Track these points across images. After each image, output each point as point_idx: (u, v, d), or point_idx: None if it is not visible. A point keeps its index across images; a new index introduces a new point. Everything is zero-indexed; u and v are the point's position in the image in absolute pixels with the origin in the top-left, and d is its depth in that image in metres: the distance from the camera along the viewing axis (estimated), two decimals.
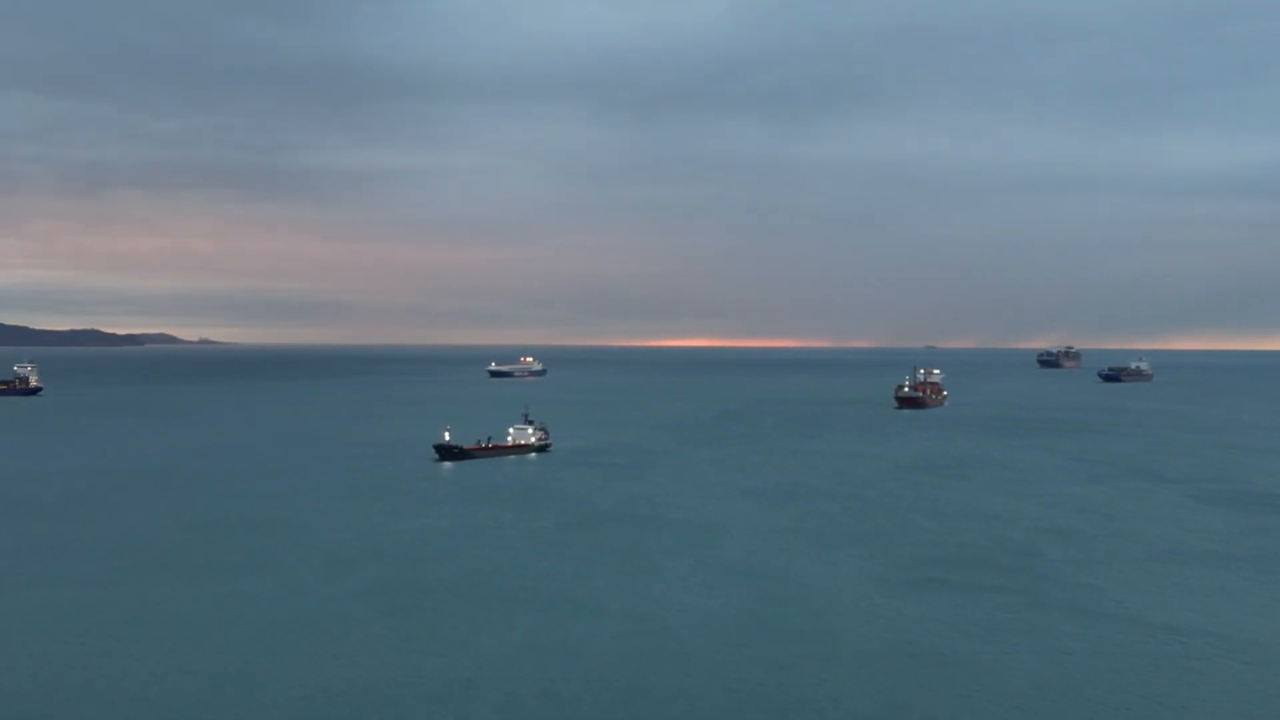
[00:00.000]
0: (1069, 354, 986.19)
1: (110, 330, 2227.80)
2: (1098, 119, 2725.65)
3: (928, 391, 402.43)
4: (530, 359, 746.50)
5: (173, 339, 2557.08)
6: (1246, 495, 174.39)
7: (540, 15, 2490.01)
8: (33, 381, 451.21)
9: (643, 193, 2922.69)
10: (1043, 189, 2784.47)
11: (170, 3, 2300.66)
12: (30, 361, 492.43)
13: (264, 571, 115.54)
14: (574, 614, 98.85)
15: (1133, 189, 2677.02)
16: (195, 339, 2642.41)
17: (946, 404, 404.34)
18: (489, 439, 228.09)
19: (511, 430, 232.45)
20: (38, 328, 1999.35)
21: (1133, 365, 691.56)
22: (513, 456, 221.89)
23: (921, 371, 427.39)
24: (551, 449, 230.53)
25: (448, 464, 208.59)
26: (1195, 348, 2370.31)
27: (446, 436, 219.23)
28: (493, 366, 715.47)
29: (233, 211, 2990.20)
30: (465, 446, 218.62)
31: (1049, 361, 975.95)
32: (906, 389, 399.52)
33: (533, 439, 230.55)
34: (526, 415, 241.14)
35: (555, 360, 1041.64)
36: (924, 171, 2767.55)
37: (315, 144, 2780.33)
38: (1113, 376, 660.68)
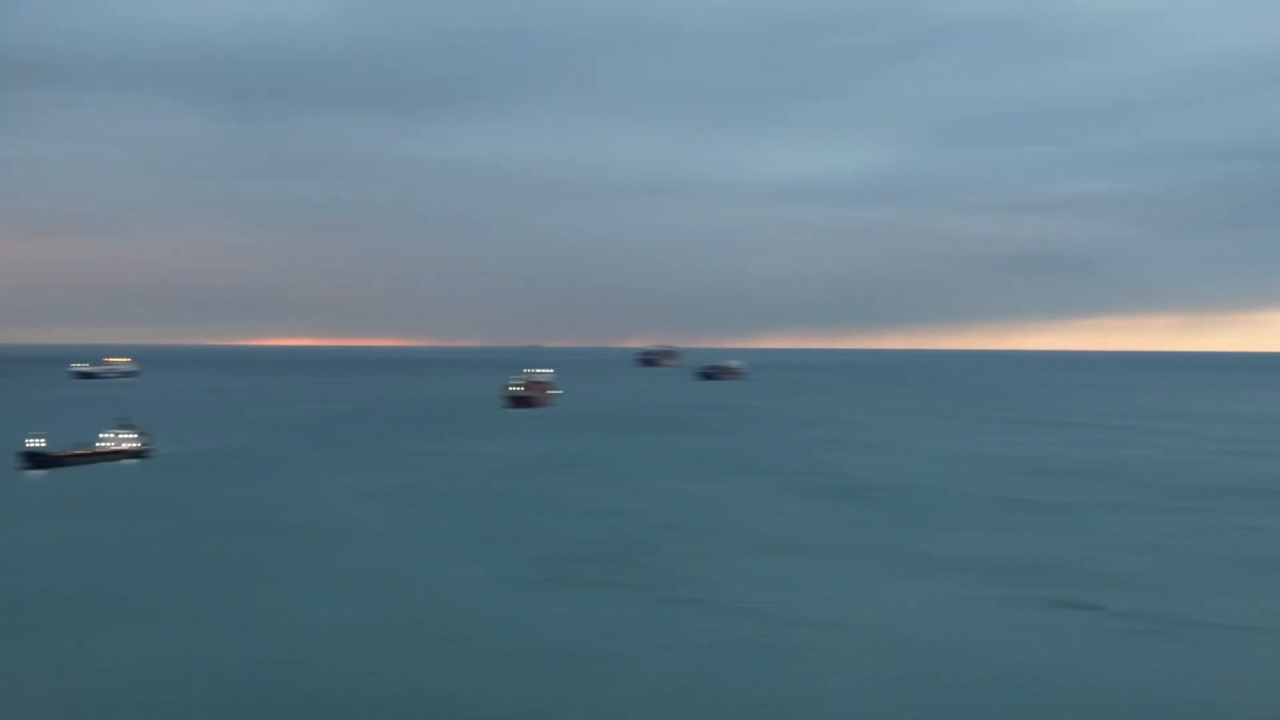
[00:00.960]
0: (667, 353, 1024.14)
1: None
2: (694, 125, 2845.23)
3: (537, 390, 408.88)
4: (120, 359, 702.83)
5: None
6: (840, 487, 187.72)
7: None
8: None
9: (244, 188, 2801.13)
10: (641, 192, 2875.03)
11: None
12: None
13: None
14: (198, 626, 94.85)
15: (725, 193, 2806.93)
16: None
17: (555, 403, 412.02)
18: (83, 445, 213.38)
19: (108, 435, 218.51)
20: None
21: (727, 364, 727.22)
22: (110, 463, 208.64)
23: (531, 371, 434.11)
24: (153, 454, 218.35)
25: (38, 472, 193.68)
26: (782, 346, 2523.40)
27: (36, 442, 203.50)
28: (77, 367, 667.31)
29: None
30: (57, 453, 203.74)
31: (648, 360, 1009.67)
32: (517, 388, 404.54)
33: (131, 444, 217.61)
34: (123, 419, 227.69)
35: (152, 360, 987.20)
36: (530, 173, 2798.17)
37: None
38: (709, 374, 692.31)
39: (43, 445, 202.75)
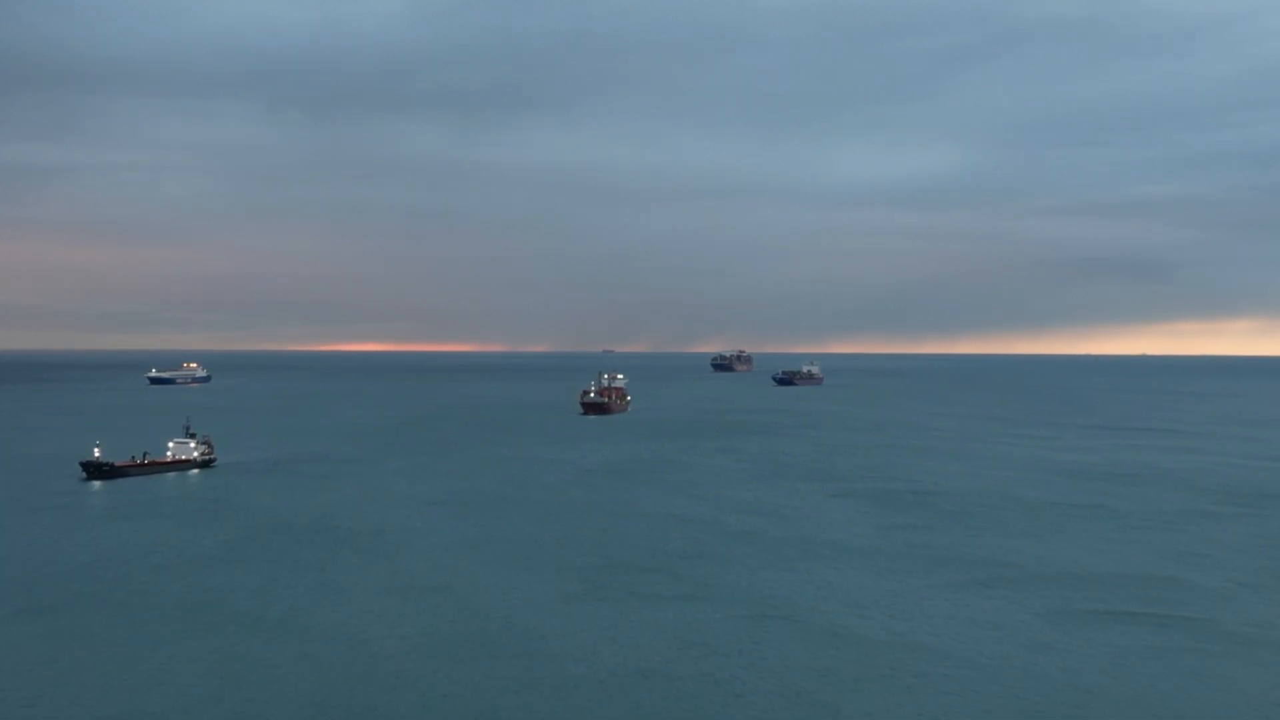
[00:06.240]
0: (741, 358, 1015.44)
1: None
2: (765, 129, 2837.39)
3: (613, 396, 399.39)
4: (194, 365, 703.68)
5: None
6: (917, 494, 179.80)
7: (209, 7, 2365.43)
8: None
9: (316, 193, 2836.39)
10: (713, 196, 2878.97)
11: None
12: None
13: None
14: (265, 633, 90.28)
15: (797, 198, 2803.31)
16: None
17: (630, 409, 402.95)
18: (145, 455, 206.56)
19: (171, 444, 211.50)
20: None
21: (804, 369, 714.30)
22: (173, 474, 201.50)
23: (605, 377, 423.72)
24: (216, 464, 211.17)
25: (97, 483, 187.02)
26: (855, 351, 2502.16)
27: (96, 452, 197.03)
28: (152, 373, 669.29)
29: None
30: (117, 463, 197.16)
31: (722, 365, 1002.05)
32: (592, 394, 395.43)
33: (195, 454, 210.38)
34: (188, 427, 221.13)
35: (223, 365, 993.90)
36: (600, 177, 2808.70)
37: None
38: (785, 380, 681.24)
39: (102, 456, 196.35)
